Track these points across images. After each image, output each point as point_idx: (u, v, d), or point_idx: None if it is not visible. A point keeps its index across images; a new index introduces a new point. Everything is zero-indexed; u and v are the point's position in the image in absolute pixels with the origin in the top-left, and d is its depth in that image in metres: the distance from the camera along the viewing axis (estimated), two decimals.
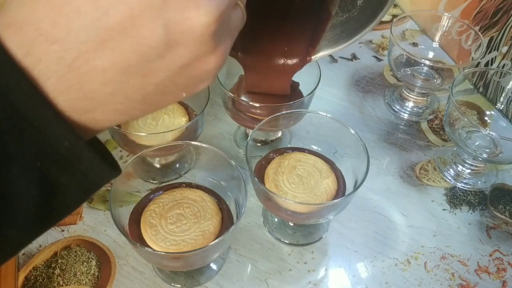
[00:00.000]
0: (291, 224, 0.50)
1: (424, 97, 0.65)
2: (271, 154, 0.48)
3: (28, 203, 0.22)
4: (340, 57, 0.73)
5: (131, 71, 0.21)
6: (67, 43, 0.20)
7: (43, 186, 0.22)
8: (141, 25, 0.20)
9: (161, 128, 0.49)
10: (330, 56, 0.73)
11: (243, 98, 0.49)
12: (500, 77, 0.61)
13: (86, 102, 0.21)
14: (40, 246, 0.47)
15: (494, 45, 0.65)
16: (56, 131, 0.21)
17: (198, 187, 0.45)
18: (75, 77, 0.20)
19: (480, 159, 0.54)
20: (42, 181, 0.22)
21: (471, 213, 0.53)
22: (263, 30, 0.44)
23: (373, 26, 0.42)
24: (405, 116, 0.64)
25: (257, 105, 0.48)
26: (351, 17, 0.44)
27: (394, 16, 0.81)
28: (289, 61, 0.46)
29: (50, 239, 0.48)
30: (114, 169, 0.24)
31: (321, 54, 0.45)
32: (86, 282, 0.45)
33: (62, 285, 0.44)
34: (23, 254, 0.46)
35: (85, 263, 0.46)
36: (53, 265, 0.46)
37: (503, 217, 0.53)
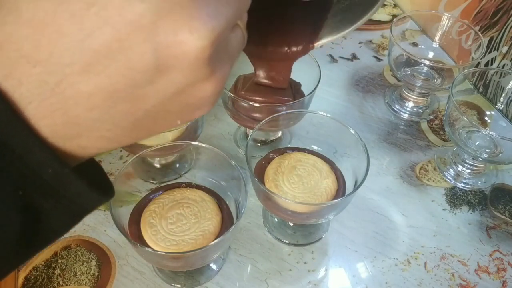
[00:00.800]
0: (291, 224, 0.50)
1: (424, 97, 0.65)
2: (271, 154, 0.48)
3: (10, 230, 0.20)
4: (340, 57, 0.73)
5: (118, 96, 0.20)
6: (49, 65, 0.18)
7: (26, 213, 0.21)
8: (129, 49, 0.19)
9: None
10: (330, 56, 0.73)
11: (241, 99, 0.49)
12: (500, 77, 0.61)
13: (71, 128, 0.20)
14: None
15: (494, 45, 0.65)
16: (38, 157, 0.20)
17: (198, 187, 0.45)
18: (58, 101, 0.19)
19: (480, 159, 0.54)
20: (25, 208, 0.20)
21: (471, 213, 0.53)
22: (265, 18, 0.43)
23: (373, 12, 0.42)
24: (405, 116, 0.64)
25: (257, 105, 0.48)
26: (353, 4, 0.44)
27: (394, 16, 0.81)
28: (293, 49, 0.46)
29: None
30: (105, 193, 0.23)
31: (324, 41, 0.45)
32: (86, 282, 0.45)
33: (62, 285, 0.44)
34: None
35: (85, 263, 0.46)
36: (53, 265, 0.46)
37: (503, 217, 0.53)
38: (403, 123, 0.64)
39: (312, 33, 0.45)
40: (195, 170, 0.50)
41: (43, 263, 0.46)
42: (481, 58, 0.62)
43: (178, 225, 0.41)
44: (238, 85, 0.53)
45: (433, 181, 0.56)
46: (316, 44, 0.46)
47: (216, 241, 0.38)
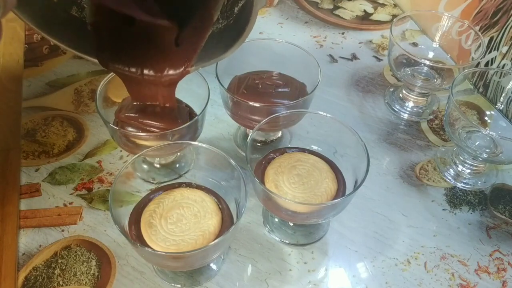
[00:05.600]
0: (291, 224, 0.50)
1: (424, 97, 0.65)
2: (271, 154, 0.48)
3: None
4: (340, 57, 0.73)
5: None
6: None
7: None
8: None
9: None
10: (330, 56, 0.73)
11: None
12: (500, 77, 0.61)
13: None
14: (40, 246, 0.47)
15: (494, 45, 0.65)
16: None
17: (198, 187, 0.45)
18: None
19: (480, 159, 0.54)
20: None
21: (471, 213, 0.53)
22: (137, 36, 0.41)
23: (244, 39, 0.41)
24: (405, 116, 0.64)
25: (257, 105, 0.48)
26: (228, 26, 0.43)
27: (394, 16, 0.81)
28: (168, 72, 0.44)
29: (50, 239, 0.48)
30: None
31: (198, 66, 0.44)
32: (86, 282, 0.45)
33: (62, 285, 0.44)
34: (23, 254, 0.46)
35: (85, 263, 0.46)
36: (53, 265, 0.46)
37: (503, 217, 0.53)
38: (403, 123, 0.64)
39: (189, 55, 0.43)
40: (195, 170, 0.50)
41: (43, 263, 0.46)
42: (481, 58, 0.62)
43: (178, 225, 0.41)
44: (234, 86, 0.53)
45: (433, 181, 0.56)
46: (191, 69, 0.44)
47: (216, 241, 0.38)
